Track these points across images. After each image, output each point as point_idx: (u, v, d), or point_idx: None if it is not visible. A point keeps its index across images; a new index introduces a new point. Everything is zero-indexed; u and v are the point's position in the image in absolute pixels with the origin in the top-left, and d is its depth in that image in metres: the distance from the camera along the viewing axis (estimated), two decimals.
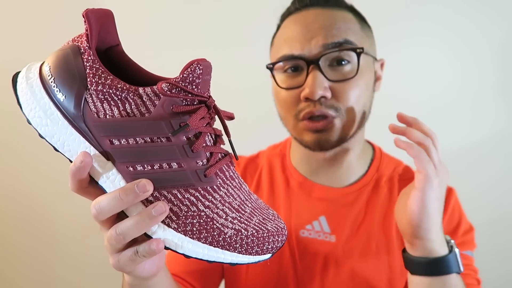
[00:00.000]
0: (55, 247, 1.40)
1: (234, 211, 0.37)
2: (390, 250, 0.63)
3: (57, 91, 0.35)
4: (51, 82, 0.36)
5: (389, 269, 0.63)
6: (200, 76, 0.35)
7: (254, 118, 1.14)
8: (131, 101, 0.35)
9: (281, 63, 0.63)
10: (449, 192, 0.66)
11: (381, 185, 0.67)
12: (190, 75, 0.35)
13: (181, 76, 0.34)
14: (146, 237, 0.36)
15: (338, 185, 0.68)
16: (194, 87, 0.35)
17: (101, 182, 0.36)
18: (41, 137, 0.36)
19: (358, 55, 0.59)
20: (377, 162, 0.70)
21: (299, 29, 0.61)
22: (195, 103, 0.36)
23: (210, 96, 0.37)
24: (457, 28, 1.13)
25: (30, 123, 0.36)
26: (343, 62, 0.60)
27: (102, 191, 0.37)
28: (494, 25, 1.11)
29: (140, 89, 0.35)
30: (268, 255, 0.38)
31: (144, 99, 0.35)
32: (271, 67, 0.64)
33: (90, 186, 0.37)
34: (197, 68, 0.35)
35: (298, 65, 0.62)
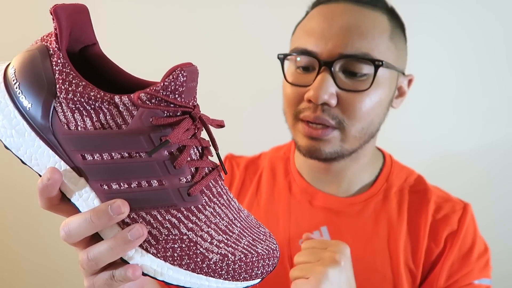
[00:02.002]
0: (54, 247, 1.39)
1: (221, 233, 0.33)
2: (395, 269, 0.58)
3: (22, 98, 0.31)
4: (16, 87, 0.32)
5: None
6: (184, 84, 0.31)
7: (257, 117, 1.10)
8: (105, 111, 0.31)
9: (293, 58, 0.58)
10: (464, 210, 0.61)
11: (391, 196, 0.62)
12: (172, 83, 0.30)
13: (162, 84, 0.30)
14: (123, 261, 0.33)
15: (343, 194, 0.63)
16: (177, 96, 0.31)
17: (74, 200, 0.33)
18: (7, 148, 0.33)
19: (376, 67, 0.53)
20: (387, 171, 0.65)
21: (320, 23, 0.55)
22: (178, 114, 0.32)
23: (195, 106, 0.33)
24: (460, 30, 1.08)
25: None
26: (358, 74, 0.54)
27: (76, 209, 0.33)
28: (497, 24, 1.06)
29: (116, 98, 0.31)
30: (258, 280, 0.35)
31: (120, 108, 0.31)
32: (281, 58, 0.59)
33: (63, 203, 0.33)
34: (180, 75, 0.30)
35: (310, 64, 0.56)
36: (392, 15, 0.59)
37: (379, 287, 0.58)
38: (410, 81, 0.63)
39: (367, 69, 0.54)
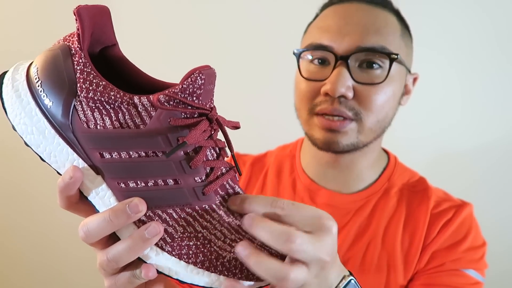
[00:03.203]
0: (55, 247, 1.40)
1: (234, 232, 0.34)
2: (391, 264, 0.60)
3: (44, 96, 0.32)
4: (38, 86, 0.32)
5: (387, 284, 0.60)
6: (202, 87, 0.32)
7: (263, 117, 1.11)
8: (125, 111, 0.32)
9: (308, 54, 0.59)
10: (461, 207, 0.62)
11: (391, 195, 0.64)
12: (191, 86, 0.31)
13: (181, 86, 0.31)
14: (139, 260, 0.33)
15: (345, 191, 0.64)
16: (194, 98, 0.32)
17: (91, 198, 0.33)
18: (27, 145, 0.33)
19: (391, 60, 0.55)
20: (390, 171, 0.66)
21: (336, 20, 0.58)
22: (195, 116, 0.32)
23: (212, 108, 0.33)
24: (459, 33, 1.08)
25: (15, 130, 0.33)
26: (374, 66, 0.56)
27: (94, 208, 0.34)
28: (497, 23, 1.07)
29: (135, 98, 0.31)
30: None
31: (139, 109, 0.31)
32: (297, 54, 0.60)
33: (81, 202, 0.34)
34: (198, 78, 0.31)
35: (326, 58, 0.58)
36: (399, 16, 0.61)
37: (375, 280, 0.59)
38: (415, 80, 0.65)
39: (382, 63, 0.56)
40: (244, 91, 1.16)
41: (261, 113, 1.13)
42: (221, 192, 0.34)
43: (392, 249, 0.60)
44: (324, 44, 0.57)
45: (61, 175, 0.33)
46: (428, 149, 1.14)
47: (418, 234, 0.60)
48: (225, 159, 0.36)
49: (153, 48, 1.19)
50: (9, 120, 0.33)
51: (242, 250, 0.31)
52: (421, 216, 0.61)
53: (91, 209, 0.34)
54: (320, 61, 0.58)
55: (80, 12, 0.31)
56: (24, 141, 0.33)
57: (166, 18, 1.20)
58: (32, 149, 0.33)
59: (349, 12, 0.58)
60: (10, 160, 1.35)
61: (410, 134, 1.12)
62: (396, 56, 0.55)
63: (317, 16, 0.64)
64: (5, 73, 0.35)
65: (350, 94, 0.55)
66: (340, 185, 0.65)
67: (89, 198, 0.33)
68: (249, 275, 0.33)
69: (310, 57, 0.59)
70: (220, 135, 0.36)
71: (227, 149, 0.37)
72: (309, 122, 0.60)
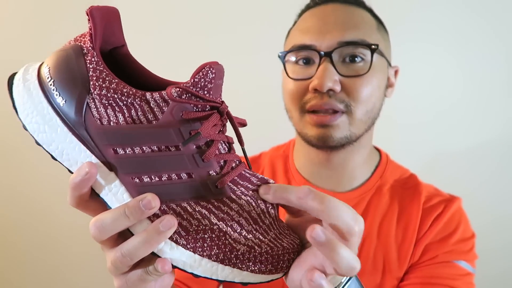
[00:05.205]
0: (56, 247, 1.38)
1: (251, 224, 0.34)
2: (386, 258, 0.61)
3: (56, 94, 0.33)
4: (50, 85, 0.33)
5: (383, 277, 0.61)
6: (213, 81, 0.32)
7: (256, 119, 1.12)
8: (137, 107, 0.32)
9: (293, 55, 0.61)
10: (450, 201, 0.64)
11: (383, 192, 0.65)
12: (202, 80, 0.32)
13: (192, 80, 0.32)
14: (153, 255, 0.33)
15: (340, 190, 0.66)
16: (205, 92, 0.32)
17: (103, 195, 0.33)
18: (38, 144, 0.34)
19: (372, 51, 0.58)
20: (382, 168, 0.68)
21: (315, 21, 0.61)
22: (207, 109, 0.33)
23: (222, 102, 0.34)
24: (457, 32, 1.11)
25: (26, 129, 0.34)
26: (356, 59, 0.58)
27: (103, 206, 0.34)
28: (494, 23, 1.10)
29: (148, 94, 0.32)
30: (282, 274, 0.35)
31: (151, 105, 0.32)
32: (282, 56, 0.63)
33: (91, 199, 0.34)
34: (209, 72, 0.32)
35: (310, 58, 0.60)
36: (373, 13, 0.65)
37: (372, 275, 0.61)
38: (396, 72, 0.68)
39: (364, 55, 0.58)
40: (240, 91, 1.17)
41: (256, 113, 1.14)
42: (235, 185, 0.35)
43: (387, 244, 0.62)
44: (307, 44, 0.59)
45: (72, 173, 0.33)
46: (426, 149, 1.16)
47: (411, 228, 0.62)
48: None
49: (158, 49, 1.21)
50: (20, 119, 0.34)
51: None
52: (413, 211, 0.63)
53: (101, 207, 0.34)
54: (304, 61, 0.60)
55: (93, 13, 0.32)
56: (36, 140, 0.33)
57: (170, 19, 1.22)
58: (43, 147, 0.33)
59: (326, 12, 0.61)
60: (10, 160, 1.34)
61: (409, 134, 1.14)
62: (376, 47, 0.58)
63: (296, 22, 0.67)
64: (14, 74, 0.35)
65: (337, 88, 0.57)
66: (334, 184, 0.66)
67: (101, 195, 0.33)
68: (261, 268, 0.34)
69: (294, 59, 0.61)
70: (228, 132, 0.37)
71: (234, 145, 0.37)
72: (301, 121, 0.62)
